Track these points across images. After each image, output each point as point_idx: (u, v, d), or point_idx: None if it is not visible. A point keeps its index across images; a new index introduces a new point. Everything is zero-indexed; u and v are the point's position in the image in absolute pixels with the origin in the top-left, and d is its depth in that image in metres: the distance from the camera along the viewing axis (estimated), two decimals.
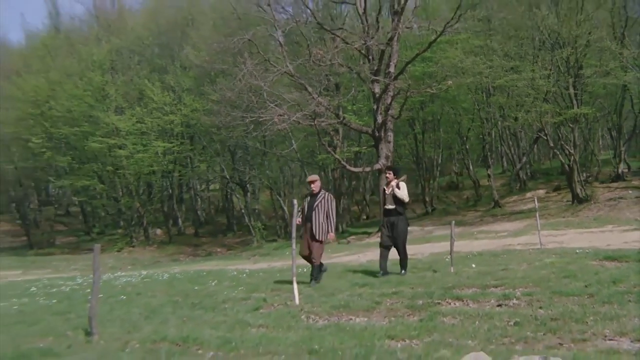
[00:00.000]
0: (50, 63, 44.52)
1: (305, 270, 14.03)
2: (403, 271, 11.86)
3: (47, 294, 14.07)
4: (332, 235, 11.60)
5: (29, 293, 14.77)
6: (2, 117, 44.64)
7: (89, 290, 11.76)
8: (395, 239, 11.86)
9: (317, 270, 11.56)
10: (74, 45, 45.77)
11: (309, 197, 11.76)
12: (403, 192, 11.79)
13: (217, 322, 8.08)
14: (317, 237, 11.32)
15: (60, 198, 61.06)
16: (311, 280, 11.42)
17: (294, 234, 9.78)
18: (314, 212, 11.42)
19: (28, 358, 6.49)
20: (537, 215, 17.87)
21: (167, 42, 46.39)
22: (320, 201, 11.52)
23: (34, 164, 46.63)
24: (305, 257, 11.53)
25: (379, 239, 29.05)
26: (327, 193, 11.78)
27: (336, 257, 21.56)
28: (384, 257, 12.01)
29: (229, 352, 6.21)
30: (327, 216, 11.45)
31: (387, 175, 12.30)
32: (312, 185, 11.74)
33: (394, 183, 11.89)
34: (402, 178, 12.36)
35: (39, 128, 42.44)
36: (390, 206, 11.89)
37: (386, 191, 12.02)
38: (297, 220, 11.09)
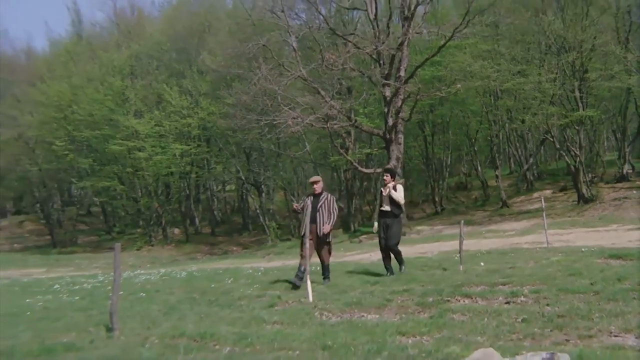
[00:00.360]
0: (73, 69, 44.75)
1: (318, 268, 14.04)
2: (402, 267, 11.83)
3: (70, 291, 14.11)
4: (327, 227, 11.21)
5: (53, 290, 14.81)
6: (27, 121, 45.00)
7: (110, 287, 11.78)
8: (386, 240, 11.64)
9: (328, 269, 11.53)
10: (95, 51, 46.02)
11: (311, 197, 11.53)
12: (400, 195, 11.59)
13: (233, 318, 8.09)
14: (322, 238, 11.18)
15: (82, 198, 61.24)
16: (324, 278, 11.38)
17: (307, 234, 9.76)
18: (318, 214, 11.22)
19: (52, 352, 6.52)
20: (544, 214, 17.76)
21: (184, 47, 46.49)
22: (324, 202, 11.37)
23: (57, 166, 46.87)
24: (302, 256, 11.14)
25: None
26: (329, 194, 11.68)
27: (349, 255, 21.55)
28: (385, 258, 11.85)
29: (245, 347, 6.22)
30: (329, 215, 11.31)
31: (385, 177, 12.05)
32: (315, 186, 11.57)
33: (390, 185, 11.68)
34: (400, 181, 12.25)
35: (62, 131, 42.70)
36: (387, 208, 11.66)
37: (383, 193, 11.78)
38: (295, 205, 11.61)
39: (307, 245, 9.95)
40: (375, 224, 11.97)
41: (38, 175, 48.46)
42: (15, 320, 9.23)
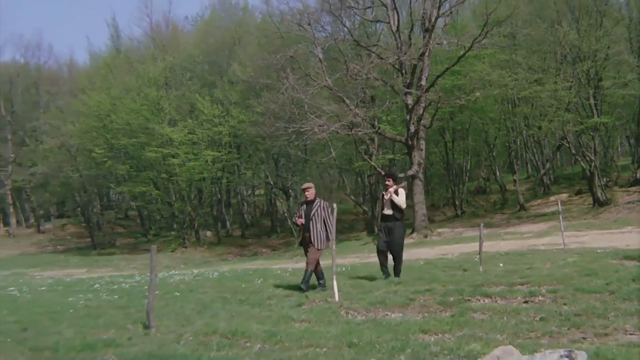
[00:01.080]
0: (112, 80, 45.20)
1: (343, 269, 14.03)
2: (396, 278, 11.13)
3: (109, 290, 14.19)
4: (329, 243, 10.57)
5: (93, 289, 14.90)
6: (69, 130, 45.49)
7: (146, 287, 11.83)
8: (391, 245, 11.27)
9: (309, 274, 10.82)
10: (132, 64, 46.41)
11: (304, 205, 11.09)
12: (401, 199, 11.25)
13: (263, 317, 8.10)
14: (315, 246, 10.71)
15: (120, 203, 61.71)
16: (301, 283, 10.81)
17: (333, 236, 9.75)
18: (310, 222, 10.75)
19: (93, 348, 6.56)
20: (561, 217, 17.61)
21: (216, 59, 46.70)
22: (317, 209, 10.82)
23: (97, 172, 47.26)
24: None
25: (411, 240, 29.00)
26: (322, 201, 11.11)
27: (373, 257, 21.45)
28: (382, 262, 11.43)
29: (274, 344, 6.22)
30: (324, 223, 10.74)
31: (387, 182, 11.62)
32: (307, 193, 11.05)
33: (392, 189, 11.31)
34: (401, 185, 11.84)
35: (101, 139, 43.11)
36: (389, 212, 11.31)
37: (385, 197, 11.43)
38: (298, 220, 10.96)
39: (334, 247, 9.87)
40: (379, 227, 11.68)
41: (79, 181, 48.93)
42: (58, 318, 9.30)
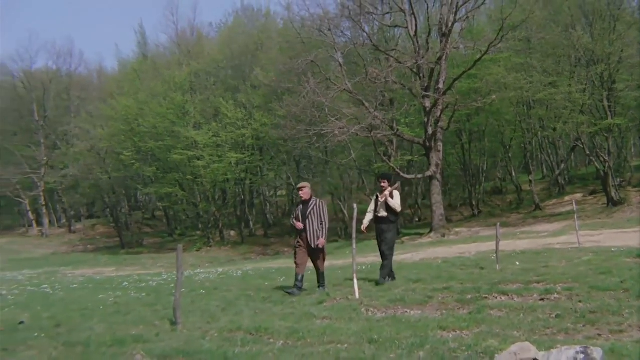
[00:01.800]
0: (139, 86, 45.50)
1: (364, 267, 14.00)
2: (386, 278, 10.62)
3: (138, 288, 14.29)
4: (322, 241, 10.33)
5: (122, 287, 15.03)
6: (99, 134, 45.89)
7: (172, 285, 11.91)
8: (380, 245, 10.80)
9: (323, 277, 10.60)
10: (159, 69, 46.74)
11: (301, 205, 10.62)
12: (396, 201, 10.68)
13: (285, 314, 8.11)
14: (312, 245, 10.28)
15: (147, 204, 62.09)
16: (319, 286, 10.50)
17: (354, 235, 9.70)
18: (307, 221, 10.33)
19: (123, 343, 6.62)
20: (576, 217, 17.46)
21: (239, 64, 46.87)
22: (313, 208, 10.40)
23: (125, 174, 47.63)
24: (297, 264, 10.49)
25: (430, 239, 28.88)
26: (318, 200, 10.68)
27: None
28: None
29: (297, 341, 6.24)
30: (320, 222, 10.36)
31: (382, 184, 10.94)
32: (301, 193, 10.62)
33: (387, 192, 10.71)
34: (395, 187, 11.20)
35: (129, 143, 43.45)
36: (383, 214, 10.73)
37: (380, 199, 10.79)
38: (297, 224, 10.53)
39: (354, 246, 9.75)
40: (364, 223, 10.91)
41: (108, 183, 49.26)
42: (90, 314, 9.40)
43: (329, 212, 10.85)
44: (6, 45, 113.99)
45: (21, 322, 8.75)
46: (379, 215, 10.80)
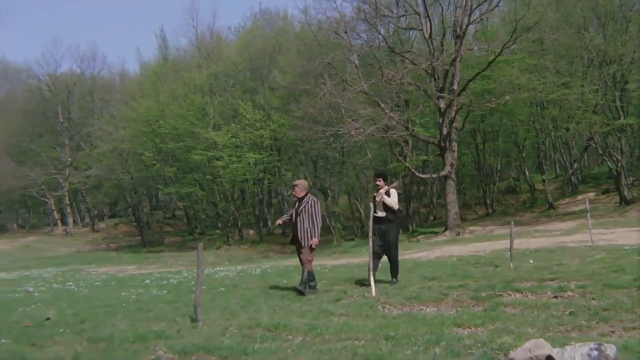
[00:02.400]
0: (160, 88, 45.76)
1: (380, 265, 13.97)
2: (394, 279, 10.35)
3: (159, 286, 14.37)
4: (314, 240, 10.07)
5: (144, 285, 15.11)
6: (121, 135, 46.20)
7: (193, 282, 11.95)
8: (386, 247, 10.27)
9: (307, 276, 10.14)
10: (179, 72, 46.96)
11: (296, 204, 10.40)
12: (392, 200, 10.24)
13: (303, 311, 8.12)
14: (302, 244, 10.09)
15: (168, 203, 62.40)
16: (300, 284, 10.19)
17: (370, 234, 9.67)
18: (298, 218, 10.12)
19: (145, 339, 6.65)
20: (589, 215, 17.36)
21: (257, 67, 46.91)
22: (305, 206, 10.12)
23: (146, 174, 47.90)
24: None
25: (444, 238, 28.76)
26: (311, 197, 10.36)
27: (407, 254, 21.41)
28: (376, 266, 10.14)
29: (314, 337, 6.24)
30: (311, 221, 10.06)
31: (377, 182, 10.52)
32: (295, 190, 10.42)
33: (382, 190, 10.28)
34: (393, 185, 10.82)
35: (150, 144, 43.68)
36: (381, 214, 10.26)
37: (376, 198, 10.35)
38: (278, 221, 10.52)
39: (371, 244, 9.64)
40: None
41: (130, 183, 49.53)
42: (113, 311, 9.46)
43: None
44: (32, 50, 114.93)
45: (47, 318, 8.83)
46: (378, 215, 10.25)
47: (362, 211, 39.39)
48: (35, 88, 59.62)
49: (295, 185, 10.53)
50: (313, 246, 10.17)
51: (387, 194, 10.28)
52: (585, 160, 46.07)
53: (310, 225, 10.09)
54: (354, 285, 10.41)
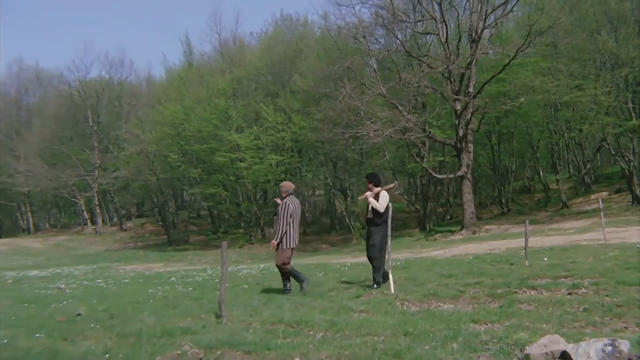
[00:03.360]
0: (185, 92, 45.95)
1: (398, 263, 13.95)
2: (374, 285, 9.83)
3: (184, 283, 14.45)
4: (272, 243, 9.95)
5: (170, 282, 15.21)
6: (147, 138, 46.44)
7: (217, 280, 12.01)
8: (371, 248, 9.97)
9: (282, 275, 10.13)
10: (203, 76, 47.12)
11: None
12: (379, 202, 9.78)
13: (324, 307, 8.13)
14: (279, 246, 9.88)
15: (193, 203, 62.70)
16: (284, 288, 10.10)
17: (389, 232, 9.63)
18: (275, 220, 10.12)
19: (172, 335, 6.72)
20: (602, 214, 17.22)
21: (279, 71, 46.97)
22: (278, 209, 9.98)
23: (172, 176, 48.18)
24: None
25: (461, 236, 28.65)
26: (286, 200, 10.01)
27: (425, 252, 21.38)
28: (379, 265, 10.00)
29: (335, 333, 6.25)
30: (276, 223, 9.94)
31: (369, 185, 10.15)
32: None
33: (368, 193, 9.94)
34: (389, 186, 10.47)
35: (175, 146, 43.92)
36: (369, 215, 9.98)
37: (367, 200, 9.97)
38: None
39: (389, 242, 9.60)
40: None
41: (156, 184, 49.87)
42: (140, 307, 9.54)
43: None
44: (64, 57, 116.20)
45: (79, 314, 8.94)
46: (367, 217, 10.09)
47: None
48: (67, 93, 60.27)
49: (281, 187, 10.40)
50: (271, 247, 10.10)
51: (377, 196, 9.92)
52: (598, 161, 45.66)
53: (276, 229, 9.96)
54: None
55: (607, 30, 32.26)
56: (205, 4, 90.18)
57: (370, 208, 9.97)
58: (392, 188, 10.63)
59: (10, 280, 19.75)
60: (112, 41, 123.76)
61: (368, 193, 9.98)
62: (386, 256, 9.81)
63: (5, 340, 7.08)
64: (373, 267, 9.99)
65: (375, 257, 9.93)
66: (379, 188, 10.03)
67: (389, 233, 9.56)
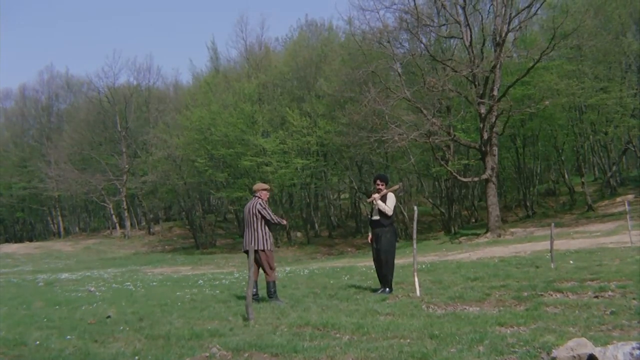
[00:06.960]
0: (211, 97, 46.15)
1: (424, 266, 13.88)
2: (387, 289, 9.69)
3: (212, 286, 14.52)
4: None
5: (198, 285, 15.29)
6: (175, 143, 46.73)
7: (244, 283, 12.07)
8: (378, 252, 9.75)
9: (268, 287, 9.79)
10: (229, 82, 47.36)
11: None
12: (387, 205, 9.67)
13: (351, 310, 8.13)
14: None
15: (219, 207, 62.87)
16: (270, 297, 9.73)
17: (414, 235, 9.65)
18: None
19: (200, 337, 6.77)
20: (628, 217, 17.02)
21: (304, 76, 47.05)
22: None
23: (199, 180, 48.42)
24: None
25: (486, 239, 28.45)
26: (256, 199, 9.79)
27: (450, 255, 21.28)
28: (379, 270, 9.94)
29: (362, 335, 6.25)
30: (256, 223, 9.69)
31: (378, 186, 9.90)
32: None
33: (376, 195, 9.75)
34: (393, 188, 10.28)
35: (202, 150, 44.16)
36: (375, 217, 9.79)
37: (374, 202, 9.81)
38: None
39: (415, 246, 9.64)
40: (370, 233, 9.97)
41: (183, 188, 50.16)
42: (169, 310, 9.62)
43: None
44: (93, 64, 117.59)
45: (108, 316, 9.03)
46: (373, 218, 9.91)
47: (405, 213, 39.22)
48: (96, 99, 61.02)
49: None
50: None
51: (384, 198, 9.78)
52: (623, 163, 45.15)
53: (257, 229, 9.77)
54: (399, 286, 10.37)
55: (633, 32, 31.98)
56: (231, 10, 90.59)
57: (375, 209, 9.83)
58: (396, 189, 10.53)
59: (42, 283, 20.05)
60: (140, 48, 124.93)
61: (376, 195, 9.82)
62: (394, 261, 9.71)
63: (38, 342, 7.19)
64: (383, 272, 9.80)
65: (386, 261, 9.75)
66: (384, 190, 9.89)
67: (414, 236, 9.54)
